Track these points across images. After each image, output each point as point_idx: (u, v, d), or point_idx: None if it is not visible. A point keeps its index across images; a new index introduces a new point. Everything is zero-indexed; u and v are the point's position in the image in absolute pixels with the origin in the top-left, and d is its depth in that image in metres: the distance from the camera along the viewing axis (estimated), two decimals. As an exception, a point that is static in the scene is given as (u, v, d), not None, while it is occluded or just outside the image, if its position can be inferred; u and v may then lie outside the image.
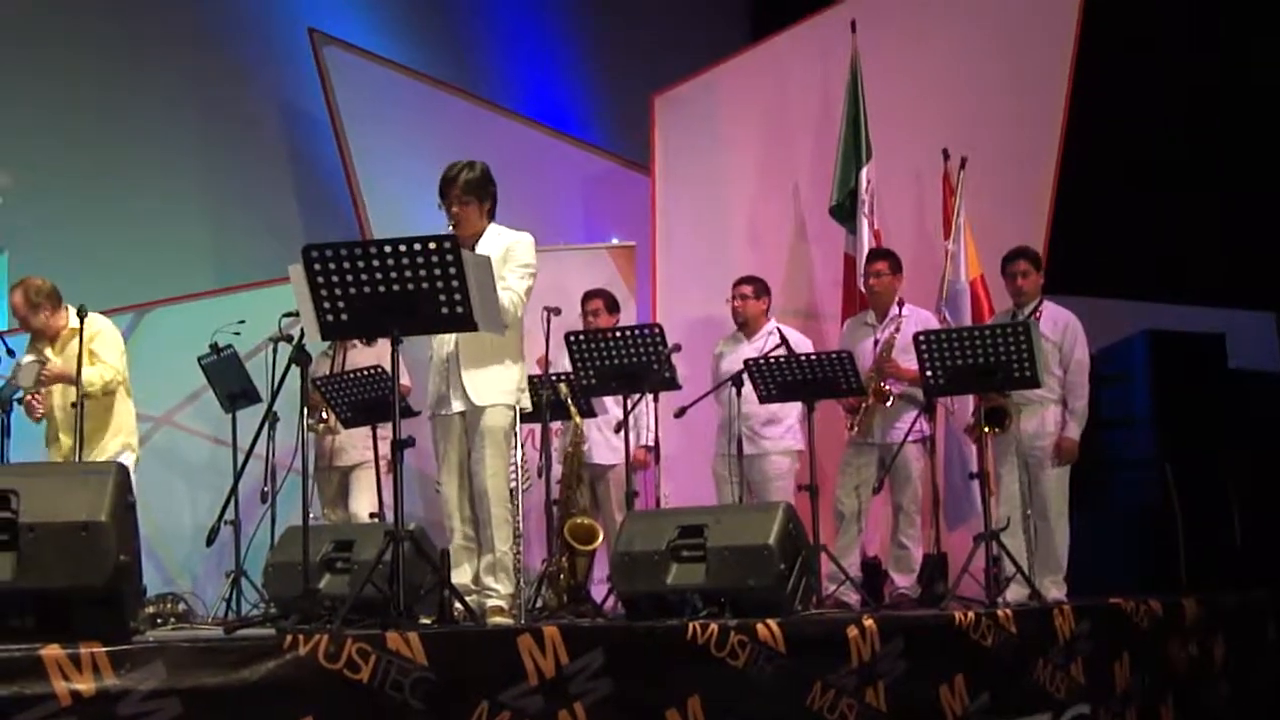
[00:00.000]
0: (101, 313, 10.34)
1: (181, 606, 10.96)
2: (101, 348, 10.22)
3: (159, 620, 9.84)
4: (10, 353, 10.42)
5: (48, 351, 10.26)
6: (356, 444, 11.42)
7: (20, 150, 13.45)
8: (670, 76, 13.95)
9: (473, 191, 8.39)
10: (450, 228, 8.12)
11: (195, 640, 6.32)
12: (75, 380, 9.77)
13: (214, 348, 11.08)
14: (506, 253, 8.29)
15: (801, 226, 13.33)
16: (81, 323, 9.95)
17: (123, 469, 6.38)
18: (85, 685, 5.55)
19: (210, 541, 8.69)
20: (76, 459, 9.70)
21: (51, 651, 5.55)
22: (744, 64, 13.92)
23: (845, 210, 12.63)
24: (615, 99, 15.49)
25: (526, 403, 8.56)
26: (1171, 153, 15.79)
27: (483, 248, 8.24)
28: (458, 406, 8.29)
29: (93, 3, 14.09)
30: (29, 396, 10.20)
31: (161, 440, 10.90)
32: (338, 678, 5.87)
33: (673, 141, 13.62)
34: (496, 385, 8.25)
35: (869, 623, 7.36)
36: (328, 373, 10.83)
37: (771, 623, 7.02)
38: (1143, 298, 14.08)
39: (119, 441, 10.20)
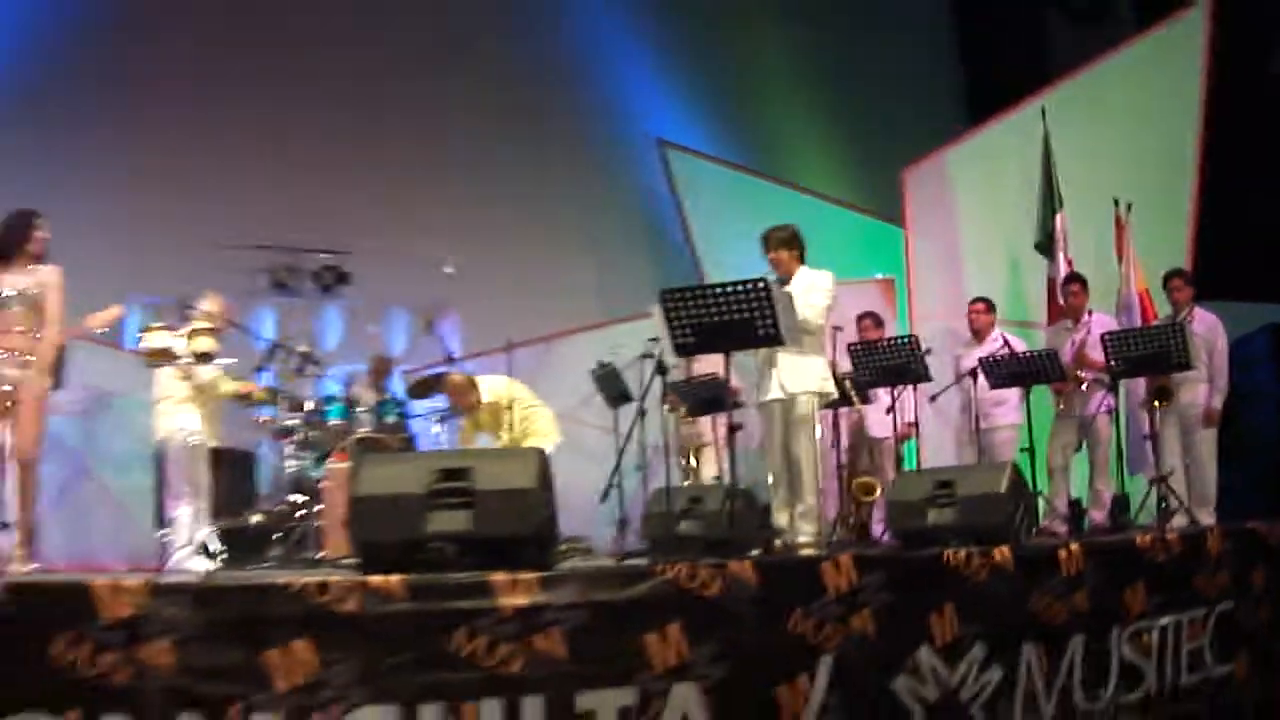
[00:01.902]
0: (523, 343, 10.55)
1: (584, 545, 11.15)
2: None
3: (569, 555, 10.03)
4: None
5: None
6: (704, 429, 11.57)
7: (468, 224, 13.92)
8: (905, 144, 14.18)
9: (783, 244, 8.50)
10: (770, 269, 8.24)
11: (596, 568, 6.49)
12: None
13: (601, 364, 11.26)
14: (811, 284, 8.37)
15: (1015, 259, 13.20)
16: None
17: (543, 453, 6.57)
18: (522, 600, 5.73)
19: (604, 499, 8.89)
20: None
21: (499, 577, 5.75)
22: (966, 143, 13.99)
23: (1045, 246, 12.58)
24: (865, 165, 15.42)
25: (831, 388, 8.61)
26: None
27: (796, 283, 8.36)
28: (775, 396, 8.36)
29: (502, 109, 14.40)
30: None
31: (567, 430, 11.08)
32: (695, 594, 5.97)
33: (918, 201, 13.73)
34: (804, 380, 8.30)
35: (1075, 547, 7.24)
36: (682, 379, 10.94)
37: (1004, 548, 6.95)
38: (1267, 299, 13.57)
39: (548, 441, 10.43)
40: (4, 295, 7.64)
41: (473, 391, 10.65)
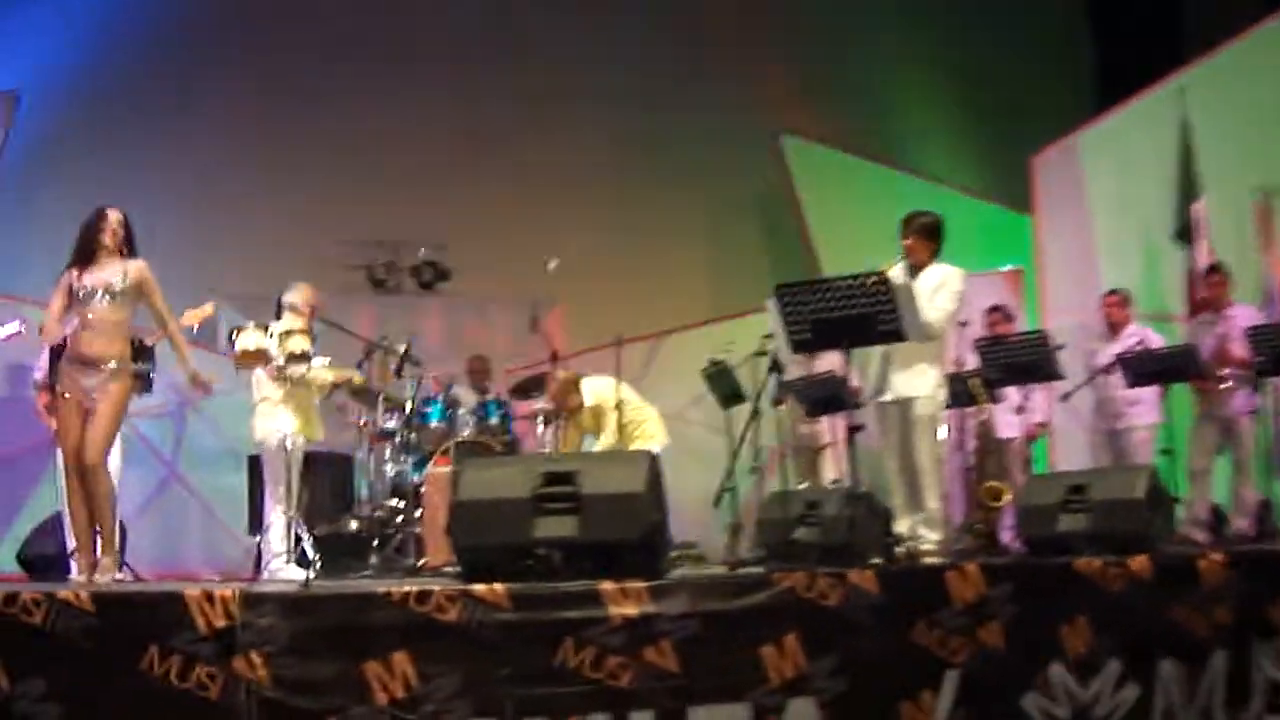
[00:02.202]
0: (631, 340, 10.54)
1: (696, 552, 11.11)
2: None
3: (680, 562, 9.99)
4: None
5: None
6: (822, 430, 11.47)
7: (579, 220, 13.96)
8: (1034, 128, 13.93)
9: (922, 233, 8.29)
10: (900, 257, 8.12)
11: (708, 577, 6.45)
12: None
13: (712, 361, 11.21)
14: (941, 283, 8.19)
15: (1151, 249, 12.95)
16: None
17: (653, 456, 6.54)
18: (631, 610, 5.71)
19: (717, 503, 8.84)
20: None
21: (607, 586, 5.72)
22: (1098, 126, 13.69)
23: (1183, 234, 12.31)
24: (992, 151, 15.22)
25: (942, 397, 8.47)
26: None
27: (925, 278, 8.16)
28: (893, 397, 8.26)
29: (609, 100, 14.40)
30: None
31: (676, 431, 11.05)
32: (813, 604, 5.91)
33: (1048, 188, 13.53)
34: (922, 380, 8.16)
35: (1217, 557, 7.07)
36: (798, 377, 10.85)
37: (1141, 558, 6.80)
38: None
39: (655, 443, 10.36)
40: (87, 290, 7.71)
41: (575, 393, 10.65)
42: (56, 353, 8.32)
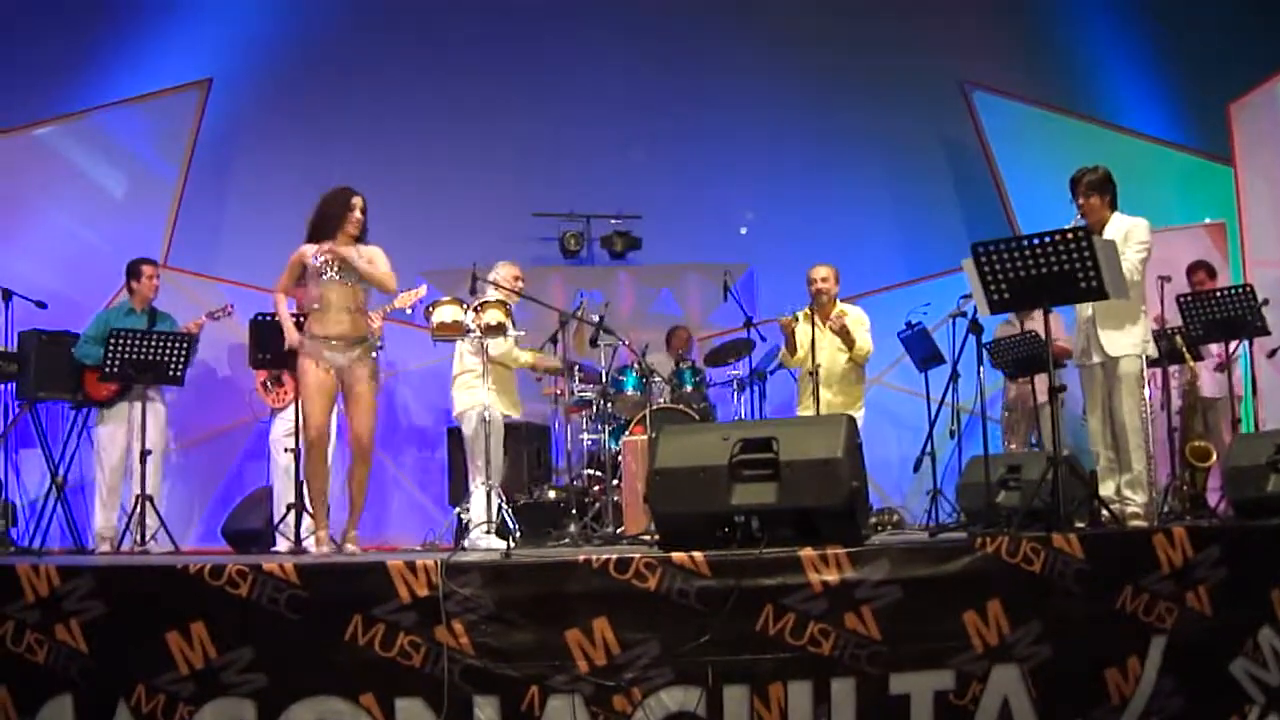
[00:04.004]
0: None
1: (895, 517, 11.02)
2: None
3: (879, 528, 9.91)
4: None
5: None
6: (1023, 391, 11.29)
7: (762, 183, 13.96)
8: (1232, 75, 13.40)
9: (1095, 189, 8.14)
10: (1079, 218, 7.93)
11: (908, 542, 6.39)
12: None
13: (909, 324, 11.11)
14: (1126, 235, 8.02)
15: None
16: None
17: (851, 420, 6.49)
18: (831, 576, 5.70)
19: (916, 468, 8.75)
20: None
21: (807, 553, 5.71)
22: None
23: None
24: (1189, 100, 14.75)
25: (1152, 351, 8.29)
26: None
27: (1108, 233, 7.99)
28: (1097, 358, 8.09)
29: (796, 63, 14.30)
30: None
31: (874, 396, 10.95)
32: (1016, 570, 5.82)
33: (1248, 137, 13.05)
34: (1127, 339, 7.99)
35: None
36: (999, 337, 10.69)
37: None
38: None
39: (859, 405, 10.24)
40: (319, 270, 7.88)
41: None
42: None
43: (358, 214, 8.02)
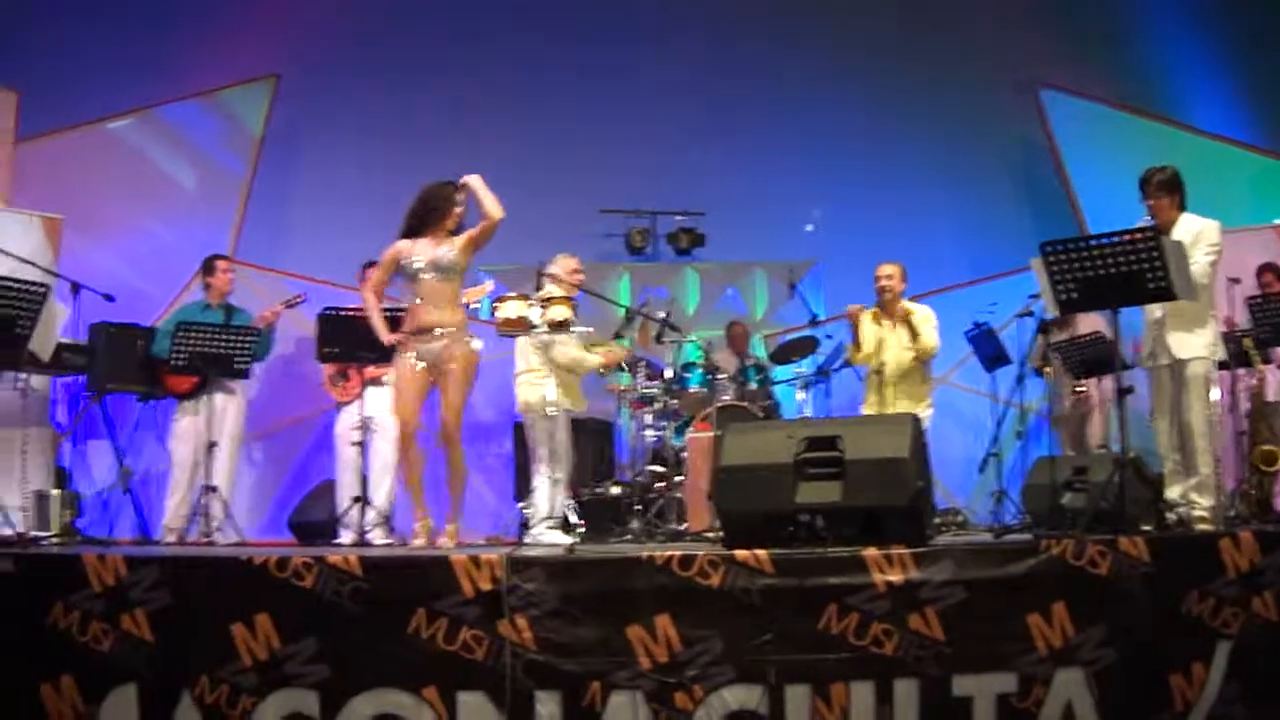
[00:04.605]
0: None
1: (960, 518, 10.98)
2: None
3: (944, 529, 9.87)
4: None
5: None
6: (1090, 392, 11.22)
7: (833, 183, 13.94)
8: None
9: (1164, 189, 8.07)
10: (1148, 218, 7.87)
11: (972, 543, 6.37)
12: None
13: (975, 323, 11.06)
14: (1196, 236, 7.95)
15: None
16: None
17: (917, 419, 6.49)
18: (895, 576, 5.70)
19: (982, 469, 8.72)
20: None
21: (871, 552, 5.72)
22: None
23: None
24: (1261, 100, 14.58)
25: (1222, 354, 8.22)
26: None
27: (1176, 233, 7.92)
28: (1164, 360, 8.03)
29: (860, 60, 14.25)
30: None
31: (940, 396, 10.90)
32: (1081, 572, 5.81)
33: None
34: (1196, 342, 7.92)
35: None
36: (1065, 338, 10.63)
37: None
38: None
39: (925, 404, 10.21)
40: (415, 266, 7.92)
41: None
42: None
43: (458, 209, 8.06)
